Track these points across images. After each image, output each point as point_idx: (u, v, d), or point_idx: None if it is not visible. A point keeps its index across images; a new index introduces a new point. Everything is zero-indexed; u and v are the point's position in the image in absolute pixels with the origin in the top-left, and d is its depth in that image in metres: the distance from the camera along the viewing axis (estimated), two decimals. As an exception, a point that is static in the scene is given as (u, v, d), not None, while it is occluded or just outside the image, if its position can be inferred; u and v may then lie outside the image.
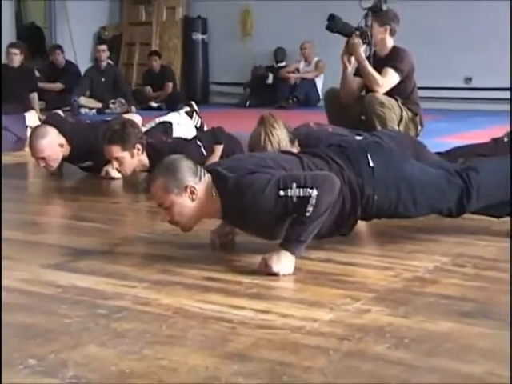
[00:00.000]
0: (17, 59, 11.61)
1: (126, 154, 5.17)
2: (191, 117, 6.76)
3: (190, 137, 5.93)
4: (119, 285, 3.27)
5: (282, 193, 3.36)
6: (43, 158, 5.78)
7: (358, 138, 4.15)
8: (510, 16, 11.57)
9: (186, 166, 3.54)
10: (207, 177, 3.55)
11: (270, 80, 13.93)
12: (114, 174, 5.64)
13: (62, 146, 5.81)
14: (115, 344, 2.59)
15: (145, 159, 5.22)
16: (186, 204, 3.51)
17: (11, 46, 11.84)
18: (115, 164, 5.24)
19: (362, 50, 6.42)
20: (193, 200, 3.50)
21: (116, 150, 5.16)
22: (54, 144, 5.78)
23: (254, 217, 3.48)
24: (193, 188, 3.48)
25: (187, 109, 6.88)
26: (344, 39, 6.44)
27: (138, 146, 5.18)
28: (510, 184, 3.92)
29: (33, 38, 15.35)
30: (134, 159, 5.20)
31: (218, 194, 3.51)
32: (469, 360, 2.46)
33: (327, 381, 2.31)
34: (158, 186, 3.56)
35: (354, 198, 3.66)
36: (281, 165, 3.60)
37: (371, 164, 3.72)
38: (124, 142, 5.14)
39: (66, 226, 4.79)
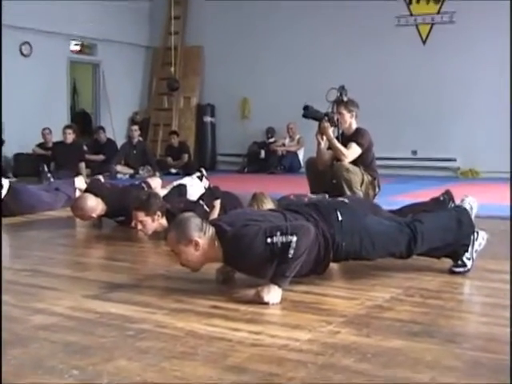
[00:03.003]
0: (70, 137, 11.72)
1: (148, 219, 5.10)
2: (201, 180, 6.74)
3: (199, 194, 5.91)
4: (143, 311, 3.21)
5: (269, 240, 3.34)
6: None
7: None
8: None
9: (193, 223, 3.53)
10: (211, 230, 3.52)
11: (262, 155, 13.93)
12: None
13: (91, 217, 5.83)
14: (140, 358, 2.54)
15: (164, 222, 5.15)
16: (191, 253, 3.50)
17: (66, 127, 11.96)
18: (139, 226, 5.15)
19: (331, 131, 6.43)
20: (197, 250, 3.48)
21: (140, 215, 5.10)
22: (87, 216, 5.80)
23: (248, 260, 3.44)
24: (197, 241, 3.46)
25: (198, 174, 6.86)
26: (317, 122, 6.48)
27: (158, 213, 5.12)
28: (445, 232, 3.92)
29: (83, 121, 15.44)
30: (154, 223, 5.14)
31: (220, 243, 3.49)
32: (417, 370, 2.43)
33: (306, 388, 2.26)
34: (171, 236, 3.58)
35: (327, 244, 3.63)
36: (268, 219, 3.58)
37: (340, 218, 3.70)
38: (147, 210, 5.09)
39: (103, 264, 4.74)
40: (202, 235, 3.48)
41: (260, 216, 3.65)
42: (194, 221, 3.55)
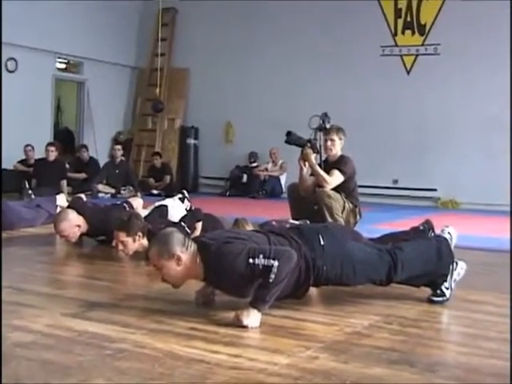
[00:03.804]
0: (52, 155, 11.66)
1: (129, 239, 5.10)
2: (183, 201, 6.72)
3: (180, 216, 5.91)
4: (122, 331, 3.19)
5: (251, 260, 3.34)
6: (64, 236, 5.77)
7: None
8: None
9: (175, 237, 3.54)
10: (193, 246, 3.53)
11: (244, 179, 13.96)
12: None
13: (79, 226, 5.77)
14: (118, 378, 2.53)
15: (145, 242, 5.13)
16: (173, 268, 3.49)
17: (49, 144, 11.90)
18: (120, 246, 5.16)
19: (313, 157, 6.46)
20: (179, 265, 3.47)
21: (122, 235, 5.11)
22: (72, 226, 5.74)
23: (229, 278, 3.44)
24: (179, 256, 3.46)
25: (180, 195, 6.85)
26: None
27: (140, 233, 5.12)
28: (425, 261, 3.93)
29: (66, 139, 15.36)
30: (135, 243, 5.14)
31: (201, 260, 3.49)
32: (395, 399, 2.42)
33: (284, 413, 2.25)
34: (153, 251, 3.57)
35: (307, 268, 3.64)
36: (252, 239, 3.58)
37: (322, 242, 3.71)
38: (128, 230, 5.09)
39: (83, 283, 4.71)
40: (184, 250, 3.48)
41: (244, 235, 3.66)
42: (176, 236, 3.56)
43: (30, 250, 5.86)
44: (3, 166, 12.42)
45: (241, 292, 3.53)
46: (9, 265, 5.14)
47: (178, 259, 3.46)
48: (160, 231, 3.96)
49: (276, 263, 3.31)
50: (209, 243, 3.51)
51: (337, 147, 6.54)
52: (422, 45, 12.68)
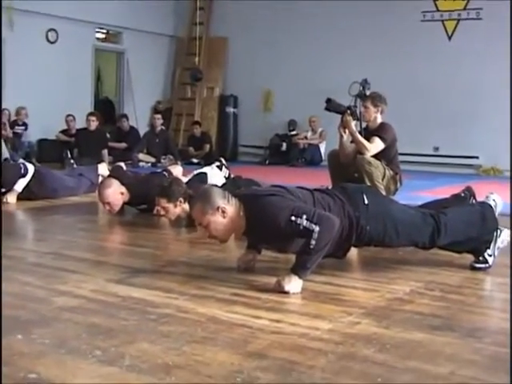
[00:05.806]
0: (93, 124, 11.76)
1: (170, 205, 5.19)
2: (221, 169, 6.75)
3: (219, 184, 5.94)
4: (165, 296, 3.24)
5: (293, 218, 3.34)
6: (108, 203, 5.79)
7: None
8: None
9: (216, 191, 3.57)
10: (235, 200, 3.55)
11: (283, 148, 13.94)
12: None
13: (122, 193, 5.82)
14: (161, 342, 2.57)
15: (187, 207, 5.18)
16: (219, 221, 3.50)
17: (90, 114, 12.00)
18: (162, 211, 5.25)
19: (353, 124, 6.40)
20: (224, 217, 3.49)
21: (163, 202, 5.19)
22: (116, 192, 5.79)
23: (270, 230, 3.44)
24: (223, 208, 3.48)
25: (218, 163, 6.88)
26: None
27: (181, 199, 5.19)
28: (468, 227, 3.90)
29: (106, 109, 15.46)
30: (176, 209, 5.22)
31: (244, 212, 3.51)
32: (437, 363, 2.43)
33: (326, 376, 2.28)
34: (196, 209, 3.58)
35: (351, 226, 3.64)
36: (298, 196, 3.59)
37: (366, 202, 3.70)
38: (169, 196, 5.17)
39: (125, 250, 4.77)
40: (226, 202, 3.50)
41: (291, 191, 3.64)
42: (216, 190, 3.60)
43: (73, 217, 5.95)
44: (45, 137, 12.61)
45: (281, 246, 3.55)
46: (53, 232, 5.24)
47: (223, 211, 3.48)
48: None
49: (317, 228, 3.30)
50: (253, 194, 3.54)
51: (371, 114, 6.46)
52: (464, 9, 12.45)
